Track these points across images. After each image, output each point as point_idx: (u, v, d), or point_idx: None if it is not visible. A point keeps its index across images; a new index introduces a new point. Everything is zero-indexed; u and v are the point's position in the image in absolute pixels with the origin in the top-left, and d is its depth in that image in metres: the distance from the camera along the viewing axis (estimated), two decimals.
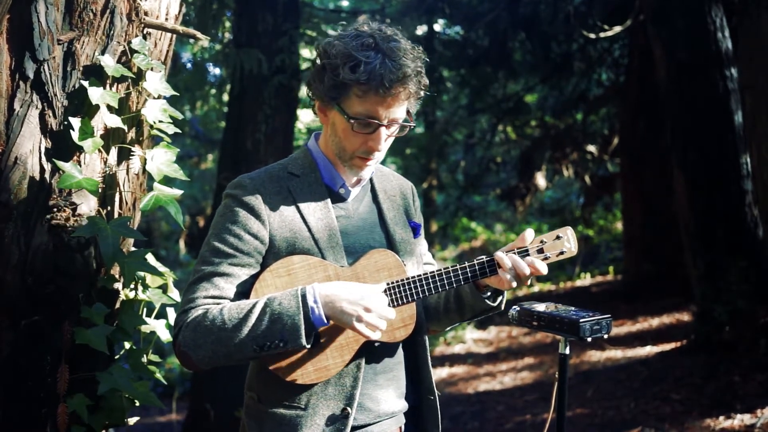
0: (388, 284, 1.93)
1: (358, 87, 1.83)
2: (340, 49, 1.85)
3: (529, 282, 2.00)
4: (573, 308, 2.08)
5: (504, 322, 10.23)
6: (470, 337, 9.89)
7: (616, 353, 7.53)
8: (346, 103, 1.87)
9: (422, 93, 1.92)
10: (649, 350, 7.39)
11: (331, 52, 1.86)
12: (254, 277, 1.90)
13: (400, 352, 2.05)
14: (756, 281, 6.33)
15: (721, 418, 5.21)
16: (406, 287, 1.94)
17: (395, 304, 1.93)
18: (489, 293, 2.05)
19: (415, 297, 1.94)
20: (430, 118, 13.75)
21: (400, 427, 2.06)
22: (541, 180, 12.38)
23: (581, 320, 1.98)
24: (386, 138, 1.92)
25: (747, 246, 6.54)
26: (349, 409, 1.92)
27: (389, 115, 1.87)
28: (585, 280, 12.12)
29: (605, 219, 14.34)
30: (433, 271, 1.95)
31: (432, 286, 1.94)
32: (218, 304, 1.85)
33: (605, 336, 2.01)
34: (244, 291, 1.89)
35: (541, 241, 2.00)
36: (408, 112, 1.94)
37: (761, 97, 5.37)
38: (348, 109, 1.87)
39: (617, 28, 8.86)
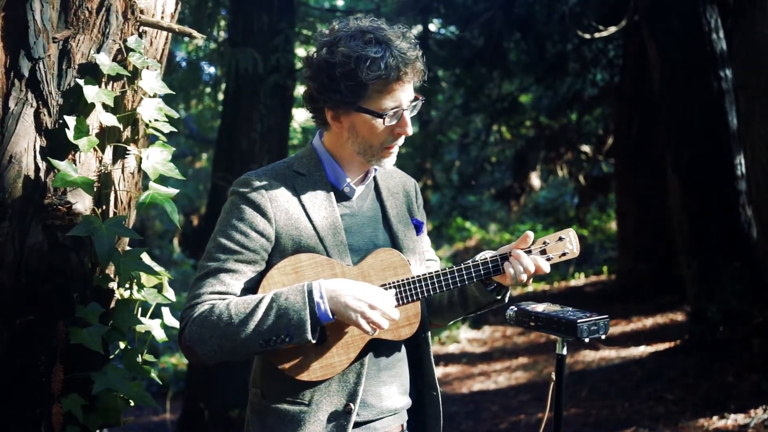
0: (393, 283, 1.94)
1: (379, 82, 1.86)
2: (347, 53, 1.85)
3: (530, 281, 2.02)
4: (570, 308, 2.08)
5: (498, 322, 10.23)
6: (464, 337, 9.89)
7: (610, 353, 7.54)
8: (369, 102, 1.89)
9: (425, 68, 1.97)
10: (643, 350, 7.40)
11: (338, 60, 1.86)
12: (260, 275, 1.91)
13: (403, 349, 2.07)
14: (749, 281, 6.34)
15: (715, 418, 5.22)
16: (412, 286, 1.95)
17: (401, 303, 1.95)
18: (494, 286, 2.06)
19: (420, 296, 1.96)
20: (424, 117, 13.73)
21: (402, 425, 2.07)
22: (535, 180, 12.39)
23: (579, 321, 1.98)
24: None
25: (741, 246, 6.56)
26: (352, 405, 1.93)
27: (408, 98, 1.93)
28: (579, 280, 12.13)
29: (599, 219, 14.36)
30: (438, 271, 1.96)
31: (437, 285, 1.96)
32: (224, 299, 1.86)
33: (602, 336, 2.01)
34: (249, 288, 1.90)
35: (544, 242, 2.02)
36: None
37: (755, 97, 5.39)
38: (374, 107, 1.89)
39: (612, 29, 8.86)
